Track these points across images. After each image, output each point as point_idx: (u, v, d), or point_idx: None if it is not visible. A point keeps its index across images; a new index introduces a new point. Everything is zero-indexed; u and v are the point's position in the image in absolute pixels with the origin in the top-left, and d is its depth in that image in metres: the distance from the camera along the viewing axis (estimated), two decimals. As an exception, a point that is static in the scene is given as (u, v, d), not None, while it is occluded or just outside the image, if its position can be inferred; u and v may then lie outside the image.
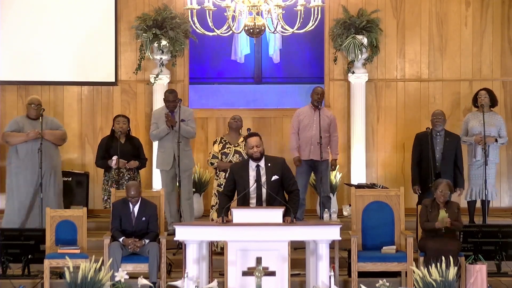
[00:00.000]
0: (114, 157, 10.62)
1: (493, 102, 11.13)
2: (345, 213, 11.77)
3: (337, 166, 11.78)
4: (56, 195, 10.73)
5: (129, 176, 10.66)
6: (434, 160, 10.49)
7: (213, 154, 10.63)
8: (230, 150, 10.52)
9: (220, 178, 10.37)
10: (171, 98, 10.68)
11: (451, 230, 9.33)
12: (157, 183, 11.90)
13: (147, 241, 9.28)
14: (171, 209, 10.73)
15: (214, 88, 13.18)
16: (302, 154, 10.95)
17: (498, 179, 12.17)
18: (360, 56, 12.13)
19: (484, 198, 10.90)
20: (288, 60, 13.22)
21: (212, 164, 10.62)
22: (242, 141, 10.44)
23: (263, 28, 8.88)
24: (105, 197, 10.73)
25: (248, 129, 10.87)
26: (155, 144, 11.18)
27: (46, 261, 9.21)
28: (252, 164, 8.80)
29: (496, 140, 10.92)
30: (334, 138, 11.01)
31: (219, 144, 10.63)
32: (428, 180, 10.43)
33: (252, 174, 8.77)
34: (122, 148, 10.65)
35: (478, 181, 10.91)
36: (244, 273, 8.00)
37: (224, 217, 8.42)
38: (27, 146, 10.59)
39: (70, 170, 11.89)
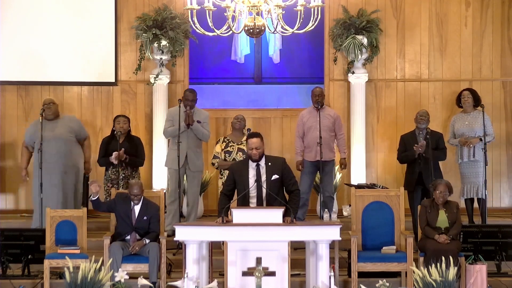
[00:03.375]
0: (114, 153, 10.63)
1: (477, 101, 11.13)
2: (345, 213, 11.77)
3: (337, 166, 11.80)
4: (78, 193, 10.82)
5: (124, 175, 10.65)
6: (416, 159, 10.48)
7: (214, 154, 10.64)
8: (233, 148, 10.53)
9: (224, 177, 10.37)
10: (191, 97, 10.68)
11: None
12: (157, 183, 11.91)
13: (147, 241, 9.28)
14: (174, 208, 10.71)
15: (214, 88, 13.18)
16: (309, 155, 10.91)
17: (498, 179, 12.18)
18: (360, 56, 12.14)
19: (480, 197, 10.90)
20: (288, 60, 13.22)
21: (213, 164, 10.63)
22: (245, 139, 10.44)
23: (263, 28, 8.88)
24: (106, 197, 10.74)
25: (248, 129, 10.89)
26: (161, 143, 11.16)
27: (46, 261, 9.21)
28: (252, 164, 8.80)
29: (481, 140, 10.90)
30: (341, 136, 10.98)
31: (222, 143, 10.64)
32: (412, 179, 10.44)
33: (252, 173, 8.77)
34: (121, 147, 10.64)
35: (469, 179, 10.95)
36: (244, 273, 8.00)
37: (224, 217, 8.42)
38: (45, 147, 10.59)
39: (70, 170, 11.89)
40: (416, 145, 10.38)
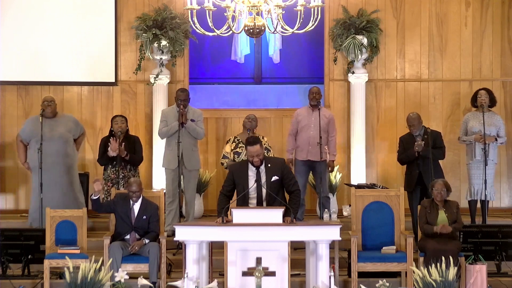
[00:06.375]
0: (110, 145, 10.61)
1: (493, 102, 11.13)
2: (345, 213, 11.77)
3: (337, 166, 11.79)
4: (79, 194, 10.83)
5: (123, 174, 10.66)
6: (416, 159, 10.46)
7: (223, 154, 10.65)
8: (242, 149, 10.53)
9: None
10: (183, 97, 10.70)
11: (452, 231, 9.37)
12: (157, 183, 11.91)
13: (147, 241, 9.28)
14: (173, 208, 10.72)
15: (214, 88, 13.17)
16: (300, 154, 10.93)
17: (497, 179, 12.17)
18: (360, 56, 12.13)
19: (484, 198, 10.89)
20: (288, 60, 13.21)
21: (222, 164, 10.65)
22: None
23: (263, 28, 8.88)
24: (104, 197, 10.74)
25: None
26: (161, 143, 11.17)
27: (46, 261, 9.22)
28: (252, 166, 8.80)
29: (496, 139, 10.91)
30: (332, 138, 10.98)
31: (231, 143, 10.64)
32: (412, 179, 10.44)
33: (251, 174, 8.77)
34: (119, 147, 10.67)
35: (478, 180, 10.91)
36: (244, 273, 8.01)
37: (224, 217, 8.42)
38: (49, 146, 10.61)
39: (70, 170, 11.90)
40: (416, 142, 10.35)
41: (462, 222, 9.46)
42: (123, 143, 10.61)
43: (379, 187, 11.35)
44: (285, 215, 8.43)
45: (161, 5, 12.23)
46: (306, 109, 11.05)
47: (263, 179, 8.74)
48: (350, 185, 11.54)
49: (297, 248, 9.67)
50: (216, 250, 9.09)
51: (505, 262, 9.63)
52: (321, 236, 8.29)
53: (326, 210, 10.62)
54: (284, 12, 8.85)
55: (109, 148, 10.59)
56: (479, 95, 11.10)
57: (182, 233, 8.33)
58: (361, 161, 12.18)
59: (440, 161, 10.70)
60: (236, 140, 10.68)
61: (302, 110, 11.07)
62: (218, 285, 8.11)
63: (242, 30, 8.98)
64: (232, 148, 10.60)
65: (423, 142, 10.30)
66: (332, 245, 8.68)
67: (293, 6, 8.93)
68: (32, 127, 10.80)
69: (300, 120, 10.98)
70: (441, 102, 12.41)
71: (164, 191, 10.14)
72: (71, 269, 8.18)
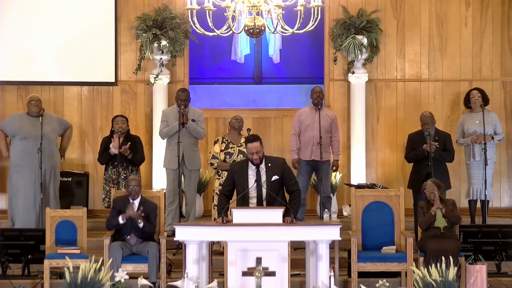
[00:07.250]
0: (112, 143, 10.63)
1: (486, 100, 11.12)
2: (345, 213, 11.77)
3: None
4: (55, 195, 10.80)
5: (125, 175, 10.66)
6: (426, 159, 10.45)
7: (213, 154, 10.61)
8: (234, 150, 10.51)
9: (221, 178, 10.33)
10: (184, 97, 10.70)
11: (451, 230, 9.36)
12: (157, 183, 11.91)
13: (142, 224, 9.26)
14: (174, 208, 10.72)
15: (214, 88, 13.18)
16: (304, 154, 10.93)
17: (497, 179, 12.17)
18: (360, 56, 12.13)
19: (484, 198, 10.89)
20: (288, 60, 13.22)
21: (212, 164, 10.61)
22: (244, 141, 10.41)
23: (263, 28, 8.88)
24: (104, 196, 10.75)
25: (248, 129, 10.86)
26: (161, 143, 11.18)
27: (46, 261, 9.22)
28: (252, 165, 8.79)
29: (493, 138, 10.90)
30: (336, 138, 10.99)
31: (221, 144, 10.60)
32: (419, 179, 10.43)
33: (251, 174, 8.76)
34: (121, 146, 10.65)
35: (477, 180, 10.91)
36: (244, 273, 8.01)
37: (224, 217, 8.42)
38: (27, 144, 10.62)
39: (70, 170, 11.90)
40: (431, 142, 10.31)
41: (460, 217, 9.46)
42: (128, 143, 10.62)
43: (379, 187, 11.36)
44: (285, 215, 8.42)
45: (161, 5, 12.24)
46: (309, 108, 11.04)
47: (263, 178, 8.74)
48: (350, 185, 11.54)
49: (297, 248, 9.68)
50: (216, 250, 9.10)
51: (505, 262, 9.63)
52: (321, 236, 8.28)
53: (326, 210, 10.63)
54: (284, 12, 8.86)
55: (111, 145, 10.60)
56: (472, 95, 11.11)
57: (182, 233, 8.32)
58: (361, 161, 12.19)
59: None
60: (225, 140, 10.62)
61: (305, 110, 11.07)
62: (218, 285, 8.11)
63: (242, 30, 8.98)
64: (222, 148, 10.56)
65: (437, 143, 10.28)
66: (332, 245, 8.67)
67: (293, 6, 8.94)
68: (18, 124, 10.80)
69: (303, 120, 10.98)
70: (441, 102, 12.42)
71: (164, 191, 10.14)
72: (71, 269, 8.18)
